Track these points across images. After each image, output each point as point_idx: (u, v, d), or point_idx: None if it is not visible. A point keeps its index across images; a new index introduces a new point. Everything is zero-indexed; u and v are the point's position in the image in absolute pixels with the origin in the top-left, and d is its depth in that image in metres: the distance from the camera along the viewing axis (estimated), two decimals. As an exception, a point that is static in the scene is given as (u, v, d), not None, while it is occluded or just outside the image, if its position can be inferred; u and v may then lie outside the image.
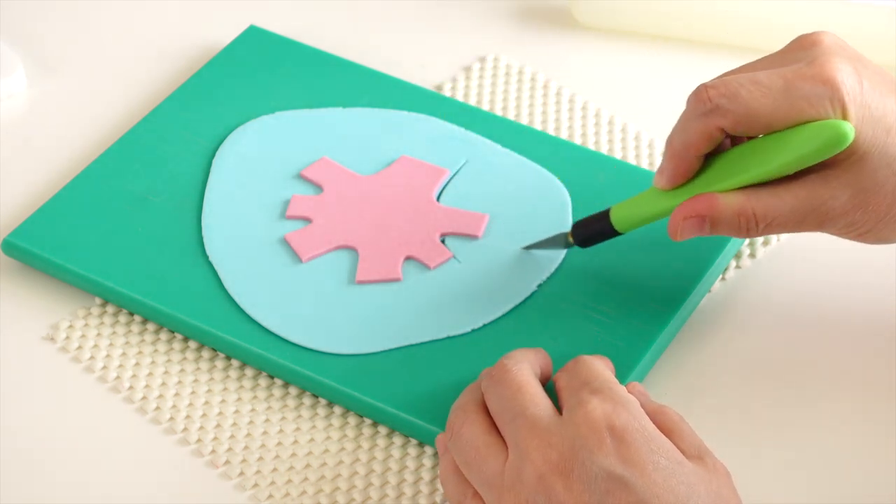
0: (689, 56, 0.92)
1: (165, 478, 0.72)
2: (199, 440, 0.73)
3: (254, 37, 0.90)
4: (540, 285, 0.76)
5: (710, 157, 0.71)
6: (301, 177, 0.82)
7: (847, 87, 0.66)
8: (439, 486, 0.71)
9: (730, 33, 0.91)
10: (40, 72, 0.91)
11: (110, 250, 0.78)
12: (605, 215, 0.74)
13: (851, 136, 0.66)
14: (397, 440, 0.72)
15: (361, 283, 0.77)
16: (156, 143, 0.83)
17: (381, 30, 0.94)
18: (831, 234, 0.70)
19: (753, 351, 0.76)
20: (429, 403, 0.71)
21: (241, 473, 0.72)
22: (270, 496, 0.71)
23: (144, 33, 0.93)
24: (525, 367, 0.67)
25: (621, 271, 0.76)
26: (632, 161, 0.85)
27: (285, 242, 0.78)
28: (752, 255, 0.80)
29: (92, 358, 0.76)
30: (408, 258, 0.78)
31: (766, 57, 0.70)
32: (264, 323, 0.75)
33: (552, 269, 0.77)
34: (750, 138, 0.70)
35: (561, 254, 0.77)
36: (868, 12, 0.89)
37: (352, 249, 0.78)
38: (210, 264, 0.77)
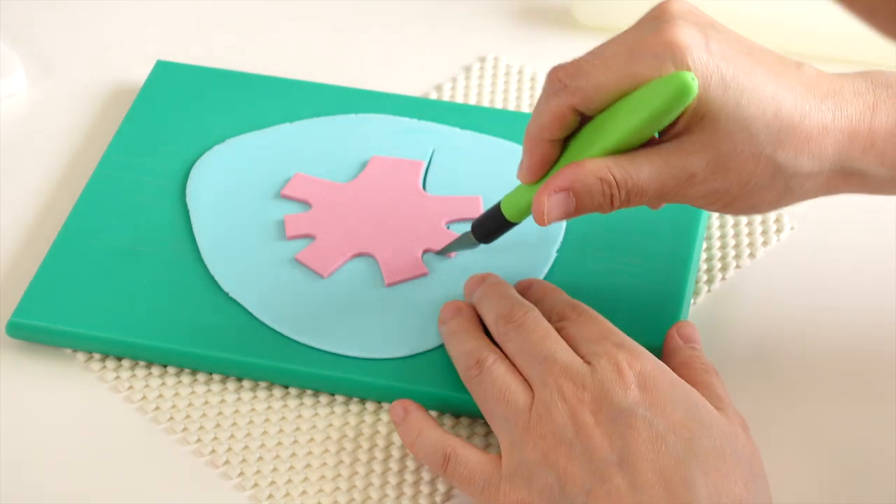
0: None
1: (165, 477, 0.72)
2: (198, 440, 0.73)
3: (167, 71, 0.88)
4: (558, 250, 0.78)
5: (568, 141, 0.70)
6: (283, 196, 0.81)
7: (690, 48, 0.65)
8: (440, 485, 0.71)
9: (730, 33, 0.92)
10: (40, 72, 0.91)
11: (125, 310, 0.76)
12: (496, 209, 0.74)
13: (695, 85, 0.65)
14: (397, 440, 0.72)
15: (392, 285, 0.77)
16: (119, 194, 0.81)
17: (381, 30, 0.94)
18: (698, 205, 0.69)
19: (752, 350, 0.76)
20: None
21: (241, 473, 0.72)
22: (270, 496, 0.71)
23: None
24: (538, 313, 0.71)
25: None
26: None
27: (298, 263, 0.78)
28: (752, 255, 0.80)
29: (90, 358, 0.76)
30: (425, 251, 0.78)
31: (620, 33, 0.69)
32: (315, 344, 0.74)
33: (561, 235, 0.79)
34: None
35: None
36: (868, 12, 0.89)
37: (367, 256, 0.78)
38: (232, 300, 0.76)
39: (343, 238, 0.78)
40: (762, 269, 0.80)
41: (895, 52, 0.89)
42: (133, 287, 0.77)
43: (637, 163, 0.67)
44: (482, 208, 0.79)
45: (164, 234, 0.79)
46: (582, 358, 0.68)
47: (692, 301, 0.78)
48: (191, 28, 0.94)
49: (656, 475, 0.64)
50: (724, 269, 0.80)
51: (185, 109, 0.86)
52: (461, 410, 0.73)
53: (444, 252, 0.78)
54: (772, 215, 0.82)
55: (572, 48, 0.92)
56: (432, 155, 0.83)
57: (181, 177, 0.82)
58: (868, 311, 0.78)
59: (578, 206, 0.68)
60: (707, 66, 0.65)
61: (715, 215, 0.82)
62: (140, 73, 0.90)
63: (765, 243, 0.81)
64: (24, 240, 0.82)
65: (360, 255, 0.78)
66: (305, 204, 0.80)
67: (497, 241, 0.76)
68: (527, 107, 0.89)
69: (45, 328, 0.75)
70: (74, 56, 0.92)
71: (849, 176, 0.68)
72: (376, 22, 0.95)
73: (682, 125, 0.66)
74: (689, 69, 0.65)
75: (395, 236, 0.78)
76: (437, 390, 0.73)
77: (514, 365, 0.70)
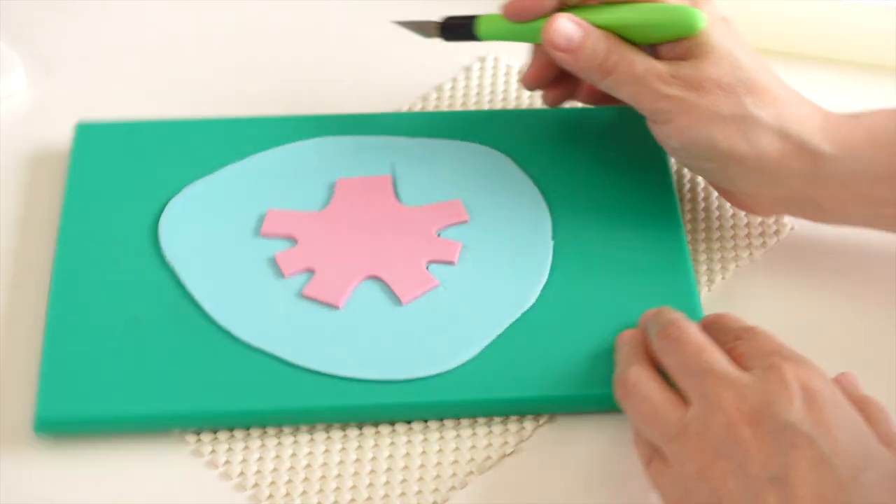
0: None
1: (164, 477, 0.72)
2: (198, 440, 0.73)
3: (91, 133, 0.84)
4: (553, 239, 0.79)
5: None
6: (263, 236, 0.79)
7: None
8: (441, 486, 0.71)
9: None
10: (40, 72, 0.91)
11: (151, 382, 0.73)
12: (470, 24, 0.80)
13: (702, 24, 0.74)
14: (399, 440, 0.72)
15: (409, 302, 0.76)
16: (92, 270, 0.77)
17: (381, 30, 0.94)
18: (661, 119, 0.75)
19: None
20: (548, 374, 0.73)
21: (242, 473, 0.72)
22: (270, 496, 0.71)
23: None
24: (697, 328, 0.69)
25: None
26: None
27: (306, 298, 0.76)
28: (752, 256, 0.80)
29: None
30: (429, 263, 0.77)
31: None
32: (359, 375, 0.73)
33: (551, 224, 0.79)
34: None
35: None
36: (868, 12, 0.89)
37: (374, 278, 0.77)
38: (259, 350, 0.74)
39: (344, 265, 0.77)
40: (762, 269, 0.80)
41: (895, 53, 0.89)
42: (149, 357, 0.74)
43: (639, 54, 0.75)
44: (465, 212, 0.79)
45: (159, 301, 0.76)
46: (746, 371, 0.66)
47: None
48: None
49: (814, 500, 0.61)
50: (724, 269, 0.80)
51: (124, 168, 0.82)
52: (517, 412, 0.74)
53: (402, 24, 0.82)
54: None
55: (572, 48, 0.92)
56: (395, 167, 0.82)
57: (148, 236, 0.78)
58: (868, 311, 0.78)
59: (580, 43, 0.75)
60: (716, 16, 0.76)
61: (714, 216, 0.82)
62: (141, 72, 0.90)
63: (764, 243, 0.81)
64: (23, 241, 0.82)
65: (366, 278, 0.77)
66: (289, 239, 0.79)
67: (491, 259, 0.77)
68: (526, 107, 0.89)
69: (77, 418, 0.72)
70: (74, 56, 0.92)
71: (800, 149, 0.74)
72: (376, 22, 0.95)
73: (683, 50, 0.75)
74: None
75: (393, 254, 0.77)
76: (486, 395, 0.73)
77: (671, 382, 0.68)
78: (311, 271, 0.77)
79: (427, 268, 0.77)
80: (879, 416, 0.66)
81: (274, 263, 0.77)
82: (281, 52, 0.92)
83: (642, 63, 0.75)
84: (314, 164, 0.82)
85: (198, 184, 0.81)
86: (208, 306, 0.75)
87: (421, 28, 0.82)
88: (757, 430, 0.63)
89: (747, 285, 0.79)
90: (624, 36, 0.75)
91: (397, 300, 0.76)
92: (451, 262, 0.77)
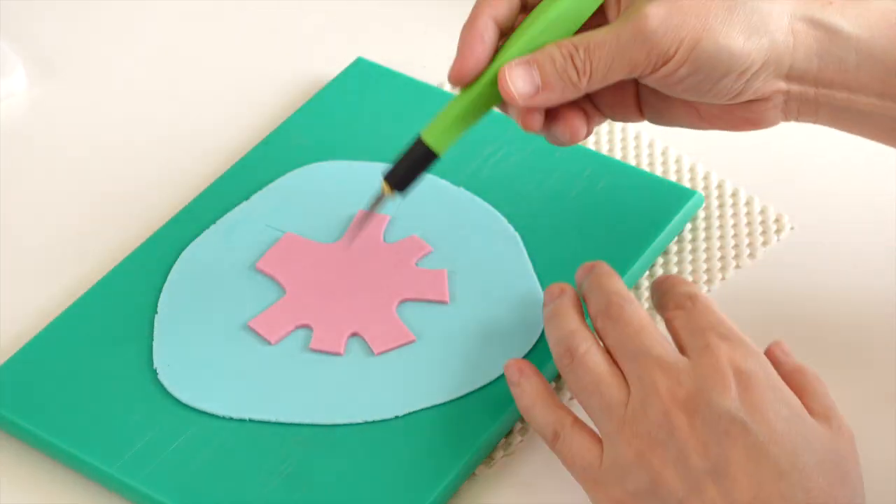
0: (689, 55, 0.91)
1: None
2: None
3: None
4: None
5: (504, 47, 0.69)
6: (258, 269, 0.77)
7: None
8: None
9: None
10: (40, 72, 0.91)
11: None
12: (417, 142, 0.69)
13: None
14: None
15: (382, 353, 0.74)
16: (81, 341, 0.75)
17: (381, 30, 0.94)
18: (668, 83, 0.68)
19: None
20: None
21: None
22: (268, 497, 0.71)
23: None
24: (637, 305, 0.68)
25: None
26: (631, 161, 0.85)
27: (312, 352, 0.74)
28: (752, 255, 0.80)
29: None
30: (403, 301, 0.76)
31: None
32: (370, 418, 0.71)
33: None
34: None
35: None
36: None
37: (357, 336, 0.75)
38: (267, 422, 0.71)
39: (330, 324, 0.75)
40: (762, 269, 0.80)
41: None
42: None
43: (588, 33, 0.67)
44: (425, 244, 0.78)
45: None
46: (683, 351, 0.65)
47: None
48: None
49: (753, 490, 0.61)
50: (723, 269, 0.80)
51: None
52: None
53: (369, 209, 0.72)
54: (772, 215, 0.82)
55: (572, 47, 0.92)
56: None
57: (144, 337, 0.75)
58: (868, 311, 0.78)
59: (542, 75, 0.67)
60: None
61: (714, 214, 0.82)
62: (141, 72, 0.90)
63: (765, 243, 0.81)
64: (22, 240, 0.82)
65: (352, 335, 0.74)
66: (279, 287, 0.76)
67: (486, 305, 0.75)
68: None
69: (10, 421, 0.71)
70: (74, 56, 0.92)
71: (814, 26, 0.68)
72: (375, 22, 0.95)
73: None
74: None
75: (376, 298, 0.76)
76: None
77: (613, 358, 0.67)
78: (308, 327, 0.75)
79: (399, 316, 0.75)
80: (815, 388, 0.65)
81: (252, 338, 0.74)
82: (280, 52, 0.92)
83: (607, 37, 0.67)
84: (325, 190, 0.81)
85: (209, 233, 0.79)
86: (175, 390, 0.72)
87: (373, 204, 0.71)
88: (693, 419, 0.62)
89: (747, 285, 0.79)
90: (570, 27, 0.68)
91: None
92: (443, 302, 0.76)
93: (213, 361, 0.73)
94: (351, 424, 0.71)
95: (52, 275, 0.80)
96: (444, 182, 0.81)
